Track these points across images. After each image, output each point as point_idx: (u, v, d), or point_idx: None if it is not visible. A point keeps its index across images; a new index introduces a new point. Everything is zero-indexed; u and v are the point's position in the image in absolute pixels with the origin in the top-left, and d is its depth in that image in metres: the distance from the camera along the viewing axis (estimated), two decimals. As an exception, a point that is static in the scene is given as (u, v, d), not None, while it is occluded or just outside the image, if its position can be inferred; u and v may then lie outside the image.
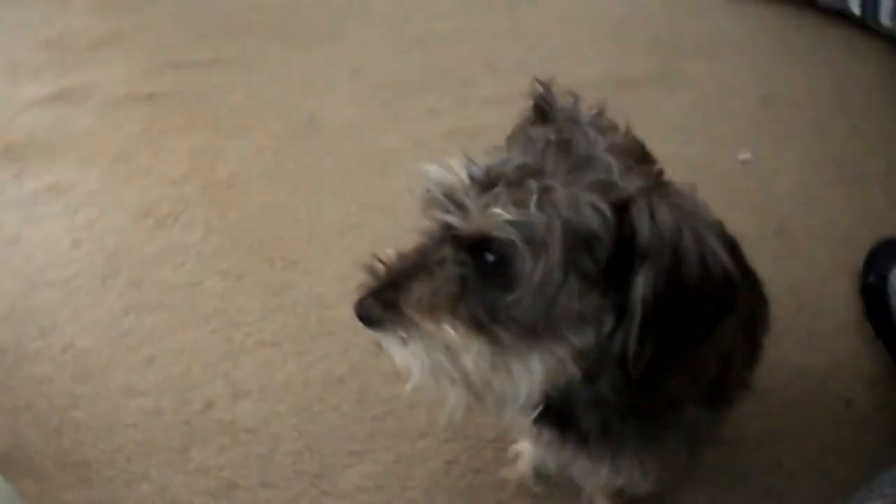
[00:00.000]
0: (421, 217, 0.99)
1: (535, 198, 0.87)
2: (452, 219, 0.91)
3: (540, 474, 1.64)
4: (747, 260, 1.47)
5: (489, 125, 2.33)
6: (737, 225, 2.01)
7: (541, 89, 1.06)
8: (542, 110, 1.04)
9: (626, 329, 0.92)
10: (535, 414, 1.19)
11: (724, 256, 0.92)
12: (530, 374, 0.95)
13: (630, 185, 0.90)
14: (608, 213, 0.88)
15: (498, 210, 0.86)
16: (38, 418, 1.90)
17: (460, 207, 0.90)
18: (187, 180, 2.38)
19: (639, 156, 0.99)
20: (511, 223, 0.86)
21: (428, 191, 0.95)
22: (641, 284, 0.88)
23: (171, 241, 2.23)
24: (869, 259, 1.98)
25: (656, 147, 2.22)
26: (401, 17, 2.86)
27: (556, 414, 1.18)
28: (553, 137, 0.94)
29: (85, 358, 2.00)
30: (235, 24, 2.89)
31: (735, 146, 2.36)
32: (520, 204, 0.86)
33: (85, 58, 2.81)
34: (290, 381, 1.88)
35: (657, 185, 0.94)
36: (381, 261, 0.98)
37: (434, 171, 0.95)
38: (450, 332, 0.92)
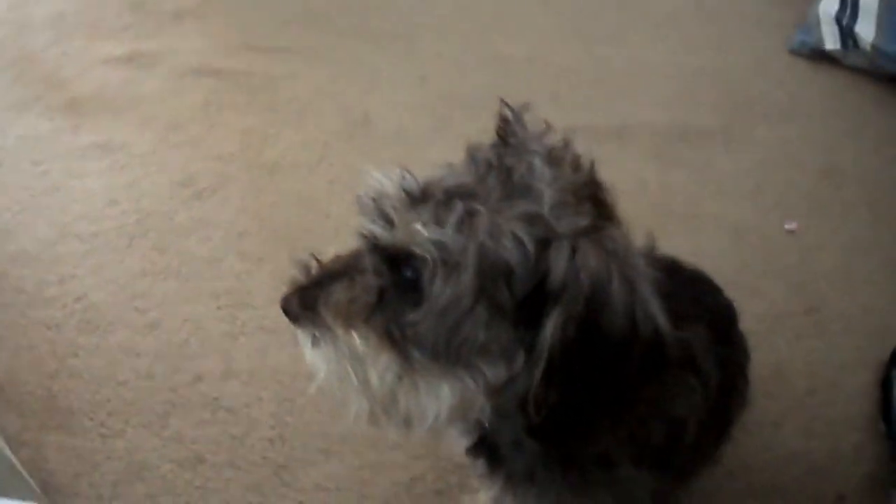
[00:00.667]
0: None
1: (455, 219, 0.86)
2: (377, 230, 0.91)
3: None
4: (737, 330, 1.45)
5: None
6: (768, 296, 2.00)
7: (508, 113, 1.02)
8: (504, 132, 1.00)
9: (531, 370, 0.89)
10: (469, 443, 1.18)
11: (657, 313, 0.88)
12: (438, 398, 0.93)
13: (562, 222, 0.87)
14: (530, 247, 0.86)
15: (419, 226, 0.86)
16: (37, 360, 1.96)
17: (387, 220, 0.90)
18: (233, 159, 2.42)
19: (588, 197, 0.94)
20: (429, 241, 0.85)
21: (366, 197, 0.95)
22: (550, 326, 0.85)
23: (203, 215, 2.26)
24: (894, 353, 1.89)
25: (702, 204, 2.24)
26: (478, 34, 2.86)
27: (487, 448, 1.17)
28: (495, 162, 0.92)
29: (94, 311, 2.05)
30: (316, 16, 2.92)
31: (784, 215, 2.31)
32: (440, 223, 0.85)
33: (165, 25, 2.87)
34: (279, 370, 1.89)
35: (595, 227, 0.89)
36: (317, 260, 0.99)
37: (375, 178, 0.95)
38: (358, 340, 0.92)
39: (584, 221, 0.88)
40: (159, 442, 1.81)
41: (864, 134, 2.57)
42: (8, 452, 1.68)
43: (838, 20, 2.67)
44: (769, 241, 2.25)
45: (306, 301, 0.95)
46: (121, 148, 2.46)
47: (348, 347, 0.93)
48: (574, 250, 0.85)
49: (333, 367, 0.95)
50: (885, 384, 1.87)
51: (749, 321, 1.87)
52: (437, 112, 2.58)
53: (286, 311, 0.97)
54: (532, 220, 0.87)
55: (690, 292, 1.30)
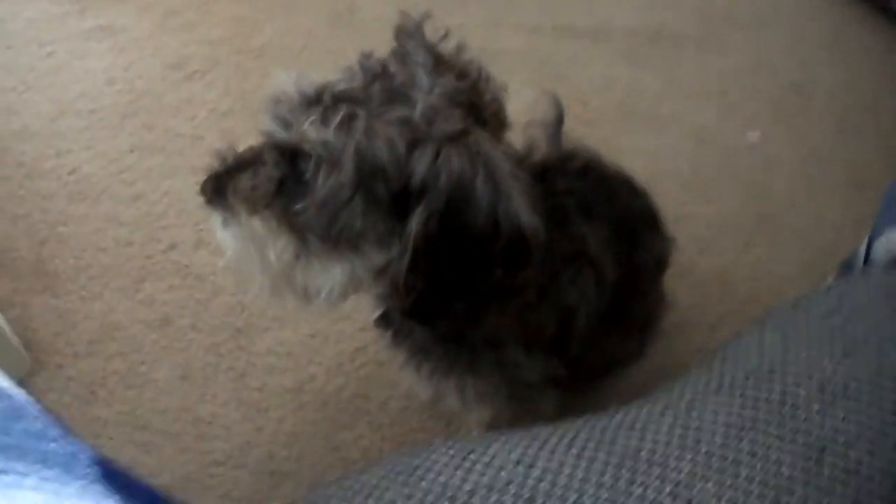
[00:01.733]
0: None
1: (337, 121, 0.94)
2: (275, 128, 1.01)
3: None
4: (652, 233, 1.50)
5: (513, 51, 2.47)
6: (721, 202, 2.07)
7: (407, 23, 1.10)
8: (400, 41, 1.09)
9: (399, 259, 1.00)
10: (376, 314, 1.30)
11: (522, 210, 0.97)
12: (329, 276, 1.05)
13: (432, 127, 0.96)
14: (401, 148, 0.95)
15: (307, 127, 0.95)
16: (30, 227, 2.11)
17: (284, 120, 0.99)
18: (223, 43, 2.52)
19: (465, 103, 1.02)
20: (316, 140, 0.95)
21: (268, 97, 1.04)
22: (414, 221, 0.95)
23: (191, 95, 2.38)
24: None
25: (667, 105, 2.31)
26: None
27: (390, 322, 1.29)
28: (379, 70, 1.00)
29: (85, 182, 2.19)
30: None
31: (748, 124, 2.33)
32: (325, 124, 0.94)
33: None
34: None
35: (463, 132, 0.97)
36: (232, 149, 1.09)
37: (279, 79, 1.04)
38: (260, 224, 1.02)
39: (452, 126, 0.97)
40: (132, 304, 1.95)
41: (842, 49, 2.57)
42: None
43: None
44: (729, 148, 2.28)
45: (218, 186, 1.06)
46: (121, 31, 2.57)
47: (251, 230, 1.03)
48: (437, 152, 0.94)
49: (238, 247, 1.06)
50: None
51: (699, 226, 1.96)
52: (420, 4, 2.61)
53: (202, 195, 1.08)
54: (404, 123, 0.96)
55: (601, 192, 1.37)
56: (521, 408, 1.43)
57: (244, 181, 1.03)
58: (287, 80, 1.02)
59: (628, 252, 1.37)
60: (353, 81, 0.99)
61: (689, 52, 2.56)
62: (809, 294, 0.99)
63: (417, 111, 0.96)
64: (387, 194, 0.97)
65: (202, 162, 2.17)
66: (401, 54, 1.06)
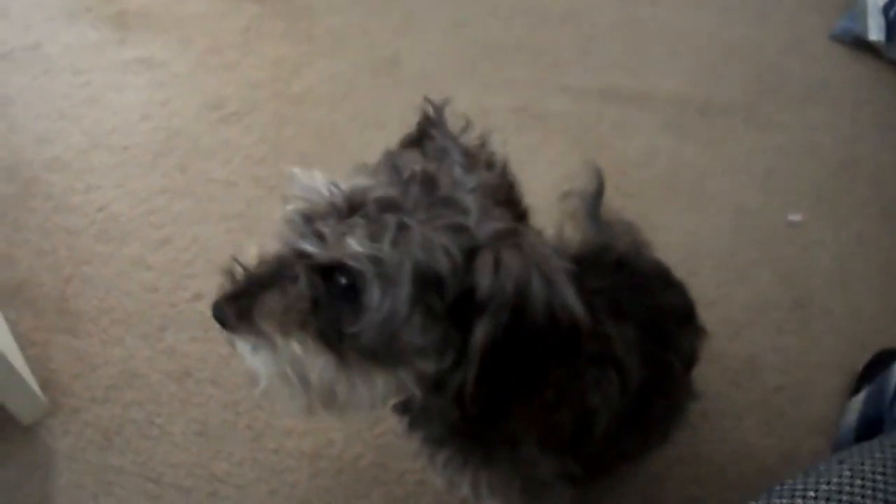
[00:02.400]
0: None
1: (390, 235, 0.88)
2: (309, 246, 0.92)
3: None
4: (683, 330, 1.47)
5: (557, 113, 2.41)
6: (757, 284, 2.04)
7: (431, 110, 1.05)
8: (424, 132, 1.04)
9: (465, 370, 0.95)
10: (394, 400, 1.27)
11: (574, 304, 0.94)
12: (373, 389, 0.98)
13: (483, 231, 0.91)
14: (458, 257, 0.89)
15: (353, 241, 0.88)
16: (56, 263, 2.10)
17: (318, 234, 0.91)
18: (262, 86, 2.51)
19: (504, 197, 0.99)
20: (365, 256, 0.88)
21: (292, 210, 0.98)
22: (480, 333, 0.90)
23: (227, 139, 2.37)
24: (868, 365, 1.85)
25: (709, 181, 2.29)
26: (515, -15, 2.86)
27: (407, 410, 1.26)
28: (418, 170, 0.94)
29: (113, 222, 2.18)
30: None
31: (790, 205, 2.26)
32: (375, 238, 0.88)
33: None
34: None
35: (512, 231, 0.93)
36: (240, 264, 1.00)
37: (301, 185, 0.98)
38: (297, 347, 0.94)
39: (502, 226, 0.93)
40: (152, 353, 1.93)
41: (891, 131, 2.50)
42: (13, 352, 1.82)
43: (885, 11, 2.60)
44: (770, 229, 2.21)
45: (240, 310, 0.96)
46: (161, 65, 2.57)
47: (287, 353, 0.95)
48: (497, 260, 0.89)
49: (274, 372, 0.97)
50: (853, 394, 1.81)
51: (733, 309, 1.93)
52: (466, 58, 2.62)
53: (220, 321, 0.98)
54: (458, 231, 0.90)
55: (633, 289, 1.33)
56: (534, 502, 1.40)
57: (272, 302, 0.95)
58: (310, 183, 0.97)
59: (657, 352, 1.34)
60: (389, 185, 0.93)
61: (735, 125, 2.52)
62: (819, 464, 0.96)
63: (469, 215, 0.92)
64: (441, 305, 0.91)
65: (235, 209, 2.20)
66: (431, 148, 1.03)
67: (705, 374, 1.71)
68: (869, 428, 1.56)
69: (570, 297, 0.93)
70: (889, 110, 2.56)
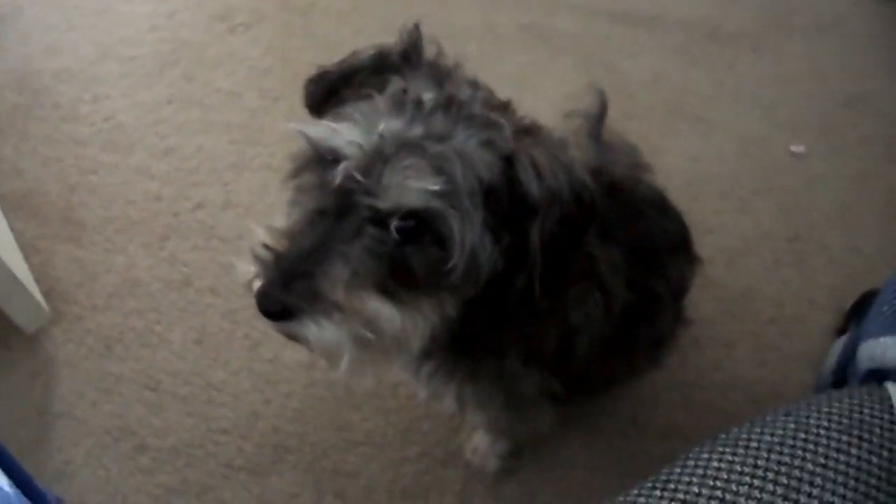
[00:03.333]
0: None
1: (456, 164, 0.87)
2: (370, 199, 0.88)
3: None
4: (676, 258, 1.46)
5: (564, 31, 2.37)
6: (756, 214, 2.02)
7: (411, 33, 1.02)
8: (407, 57, 1.00)
9: (529, 272, 0.94)
10: None
11: (588, 182, 0.95)
12: (425, 322, 0.96)
13: (509, 137, 0.92)
14: (502, 168, 0.91)
15: (420, 183, 0.86)
16: (62, 173, 2.12)
17: (376, 183, 0.87)
18: (271, -4, 2.49)
19: (498, 104, 0.99)
20: (437, 193, 0.86)
21: (310, 160, 0.94)
22: (537, 233, 0.91)
23: (233, 49, 2.36)
24: (855, 305, 1.82)
25: (714, 107, 2.27)
26: None
27: None
28: (439, 98, 0.92)
29: (119, 131, 2.19)
30: None
31: (795, 135, 2.23)
32: (440, 171, 0.86)
33: None
34: (276, 205, 1.98)
35: (528, 129, 0.96)
36: (267, 247, 0.91)
37: (326, 137, 0.91)
38: (372, 305, 0.91)
39: (521, 126, 0.96)
40: (154, 262, 1.95)
41: None
42: (17, 260, 1.85)
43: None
44: (773, 159, 2.19)
45: (303, 292, 0.88)
46: (170, -26, 2.55)
47: (363, 316, 0.91)
48: (534, 162, 0.91)
49: (355, 341, 0.92)
50: (839, 334, 1.80)
51: (731, 237, 1.91)
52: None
53: (279, 313, 0.89)
54: (492, 143, 0.91)
55: (624, 214, 1.32)
56: (516, 417, 1.42)
57: (336, 270, 0.88)
58: (339, 136, 0.90)
59: (644, 278, 1.33)
60: (419, 119, 0.90)
61: (744, 54, 2.44)
62: (766, 415, 0.96)
63: (496, 128, 0.92)
64: (494, 219, 0.91)
65: (239, 119, 2.20)
66: (425, 72, 1.00)
67: (699, 301, 1.70)
68: (846, 372, 1.54)
69: (585, 175, 0.95)
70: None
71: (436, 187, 0.85)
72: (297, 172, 0.98)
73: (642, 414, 1.70)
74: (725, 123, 2.22)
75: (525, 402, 1.34)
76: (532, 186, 0.90)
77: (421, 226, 0.88)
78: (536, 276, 0.94)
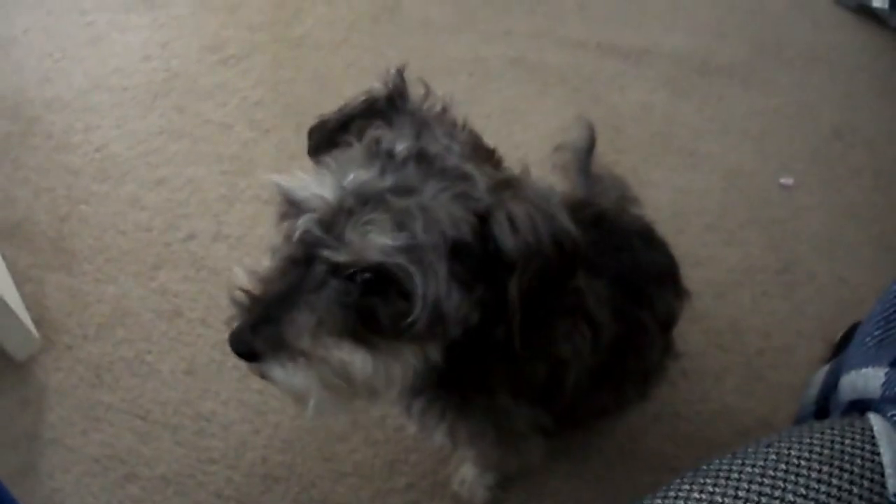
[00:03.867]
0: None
1: (419, 219, 0.87)
2: (329, 253, 0.89)
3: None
4: (661, 290, 1.46)
5: (554, 65, 2.40)
6: (745, 247, 2.05)
7: (395, 78, 1.03)
8: (394, 102, 1.01)
9: (509, 323, 0.94)
10: None
11: (571, 230, 0.94)
12: (404, 368, 0.98)
13: (486, 191, 0.92)
14: (475, 223, 0.90)
15: (380, 238, 0.86)
16: (53, 202, 2.13)
17: (339, 239, 0.89)
18: (263, 29, 2.53)
19: (483, 152, 1.00)
20: (397, 249, 0.86)
21: (288, 208, 0.95)
22: (515, 287, 0.91)
23: (225, 81, 2.38)
24: (844, 336, 1.82)
25: (703, 140, 2.30)
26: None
27: None
28: (411, 150, 0.93)
29: (111, 161, 2.21)
30: None
31: (783, 169, 2.24)
32: (402, 227, 0.87)
33: None
34: (266, 238, 2.00)
35: (508, 182, 0.95)
36: (243, 290, 0.94)
37: (295, 188, 0.93)
38: (338, 353, 0.92)
39: (500, 178, 0.95)
40: (145, 292, 1.96)
41: (889, 99, 2.45)
42: (8, 289, 1.86)
43: (890, -22, 2.52)
44: (761, 191, 2.19)
45: (270, 337, 0.91)
46: (163, 6, 2.59)
47: (331, 362, 0.93)
48: (510, 217, 0.90)
49: (322, 385, 0.94)
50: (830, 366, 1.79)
51: (719, 270, 1.93)
52: (466, 7, 2.61)
53: (248, 355, 0.93)
54: (466, 197, 0.91)
55: (610, 245, 1.34)
56: (507, 451, 1.43)
57: (303, 318, 0.90)
58: (306, 189, 0.92)
59: (632, 310, 1.35)
60: (390, 171, 0.91)
61: (733, 86, 2.44)
62: (748, 447, 0.97)
63: (472, 181, 0.92)
64: (466, 272, 0.92)
65: (230, 151, 2.22)
66: (407, 117, 1.00)
67: (687, 334, 1.72)
68: (828, 402, 1.55)
69: (568, 224, 0.94)
70: (889, 79, 2.51)
71: (395, 243, 0.86)
72: (281, 217, 0.99)
73: (630, 445, 1.71)
74: (714, 156, 2.24)
75: (516, 437, 1.35)
76: (507, 242, 0.90)
77: (383, 279, 0.89)
78: (516, 327, 0.94)
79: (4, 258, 1.99)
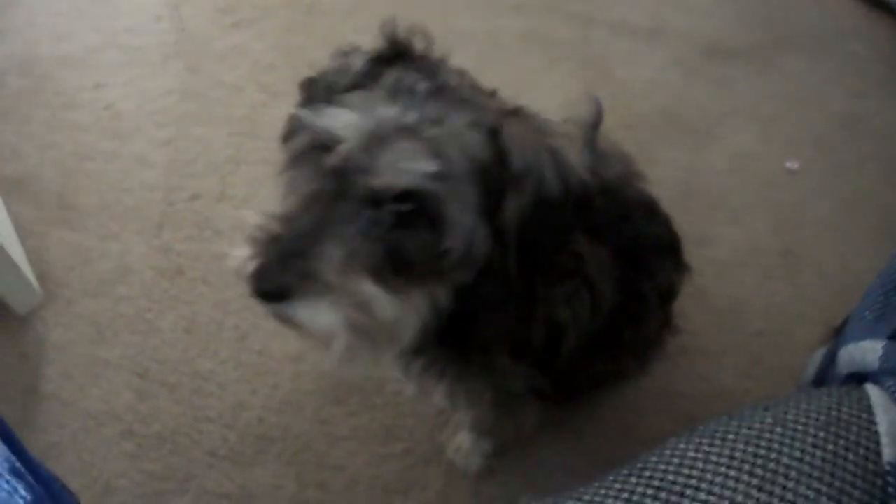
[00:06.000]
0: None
1: (451, 148, 0.89)
2: (365, 178, 0.89)
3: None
4: (664, 262, 1.46)
5: (564, 39, 2.38)
6: (749, 228, 2.04)
7: (394, 34, 1.06)
8: (398, 51, 1.04)
9: (504, 251, 0.95)
10: None
11: (580, 170, 0.96)
12: (417, 312, 0.99)
13: (496, 116, 0.94)
14: (491, 147, 0.92)
15: (417, 164, 0.87)
16: (59, 158, 2.13)
17: (373, 163, 0.89)
18: (276, -8, 2.50)
19: (488, 93, 1.03)
20: (433, 175, 0.87)
21: (315, 140, 0.95)
22: (512, 209, 0.92)
23: (238, 44, 2.38)
24: (845, 321, 1.84)
25: (711, 121, 2.26)
26: None
27: None
28: (432, 86, 0.95)
29: (119, 120, 2.20)
30: None
31: (790, 153, 2.24)
32: (437, 153, 0.88)
33: None
34: (271, 198, 2.00)
35: (515, 110, 0.98)
36: (263, 229, 0.92)
37: (325, 120, 0.93)
38: (367, 289, 0.91)
39: (507, 108, 0.98)
40: (147, 250, 1.96)
41: None
42: (12, 243, 1.86)
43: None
44: (767, 174, 2.20)
45: (298, 272, 0.88)
46: (175, -32, 2.56)
47: (358, 298, 0.92)
48: (517, 136, 0.93)
49: (351, 325, 0.93)
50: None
51: (722, 250, 1.92)
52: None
53: (272, 292, 0.89)
54: (481, 124, 0.93)
55: (614, 215, 1.32)
56: (504, 414, 1.42)
57: (333, 250, 0.89)
58: (336, 120, 0.93)
59: (632, 280, 1.34)
60: (414, 105, 0.93)
61: (743, 68, 2.43)
62: (745, 409, 0.96)
63: (485, 110, 0.95)
64: (485, 199, 0.93)
65: (239, 113, 2.21)
66: (420, 64, 1.03)
67: (688, 311, 1.69)
68: (825, 380, 1.54)
69: (575, 162, 0.96)
70: (896, 70, 2.47)
71: (431, 169, 0.87)
72: (292, 163, 1.02)
73: (626, 420, 1.70)
74: (721, 136, 2.23)
75: (513, 400, 1.35)
76: (513, 158, 0.91)
77: (417, 209, 0.89)
78: (513, 257, 0.94)
79: (9, 212, 1.97)
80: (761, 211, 2.10)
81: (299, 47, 2.36)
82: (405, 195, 0.88)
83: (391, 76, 0.97)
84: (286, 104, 2.10)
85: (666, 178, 1.93)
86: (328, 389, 1.74)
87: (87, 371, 1.78)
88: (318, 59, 2.15)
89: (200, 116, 2.20)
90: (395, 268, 0.92)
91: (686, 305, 1.61)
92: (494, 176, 0.92)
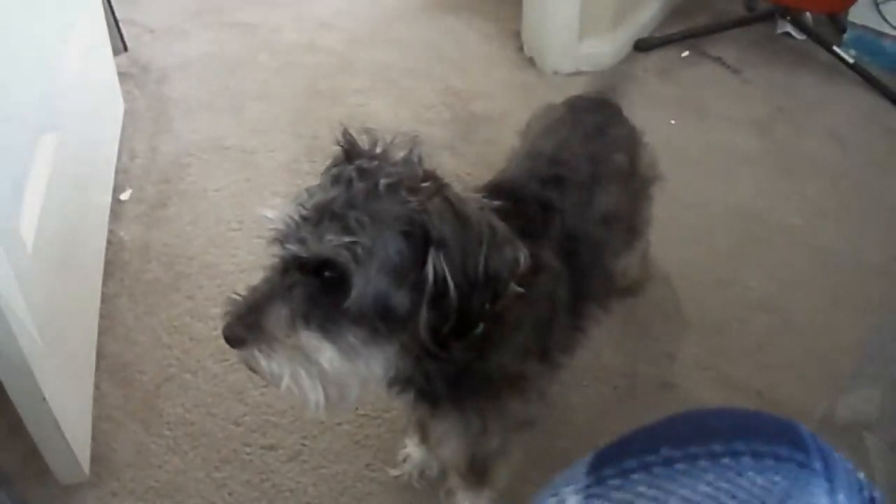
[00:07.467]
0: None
1: (362, 225, 1.08)
2: (295, 248, 1.09)
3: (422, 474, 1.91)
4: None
5: None
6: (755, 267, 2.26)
7: (345, 137, 1.23)
8: (348, 151, 1.22)
9: (432, 304, 1.13)
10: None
11: (503, 263, 1.16)
12: (377, 364, 1.18)
13: (421, 200, 1.11)
14: (412, 221, 1.11)
15: (329, 238, 1.07)
16: (166, 360, 2.23)
17: (300, 240, 1.09)
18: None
19: (424, 175, 1.17)
20: (342, 246, 1.07)
21: (271, 230, 1.14)
22: (430, 264, 1.09)
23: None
24: None
25: (727, 179, 2.42)
26: None
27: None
28: (355, 173, 1.13)
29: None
30: None
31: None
32: (347, 230, 1.07)
33: None
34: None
35: (438, 188, 1.14)
36: (238, 294, 1.16)
37: (273, 213, 1.14)
38: (306, 341, 1.12)
39: (430, 186, 1.14)
40: (204, 477, 1.97)
41: None
42: (83, 417, 1.92)
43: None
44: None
45: (250, 324, 1.12)
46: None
47: (300, 350, 1.12)
48: (437, 208, 1.11)
49: (291, 371, 1.13)
50: None
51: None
52: None
53: (232, 339, 1.14)
54: (404, 202, 1.11)
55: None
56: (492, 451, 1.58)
57: (277, 309, 1.11)
58: (281, 211, 1.14)
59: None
60: (336, 191, 1.13)
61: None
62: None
63: (407, 190, 1.13)
64: (414, 269, 1.11)
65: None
66: (366, 155, 1.21)
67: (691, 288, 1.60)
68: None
69: (499, 258, 1.15)
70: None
71: (341, 241, 1.07)
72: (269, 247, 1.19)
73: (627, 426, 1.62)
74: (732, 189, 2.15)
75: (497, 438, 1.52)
76: (433, 231, 1.09)
77: (338, 274, 1.08)
78: (426, 308, 1.12)
79: (98, 389, 2.04)
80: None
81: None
82: (325, 263, 1.08)
83: (335, 169, 1.19)
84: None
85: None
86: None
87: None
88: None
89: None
90: (338, 324, 1.11)
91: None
92: (418, 249, 1.10)
